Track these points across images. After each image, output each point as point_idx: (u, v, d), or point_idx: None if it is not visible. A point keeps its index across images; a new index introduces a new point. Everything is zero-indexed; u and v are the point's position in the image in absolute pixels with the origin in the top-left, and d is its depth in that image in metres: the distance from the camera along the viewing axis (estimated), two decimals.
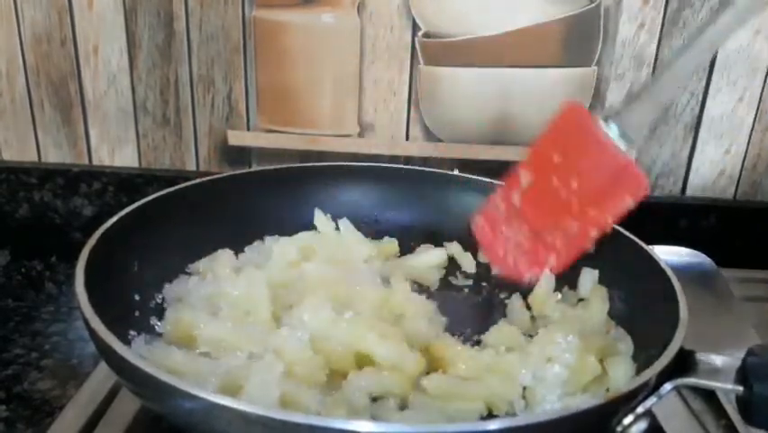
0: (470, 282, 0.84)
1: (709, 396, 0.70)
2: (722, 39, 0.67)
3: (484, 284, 0.83)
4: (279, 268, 0.77)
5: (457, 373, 0.63)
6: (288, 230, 0.84)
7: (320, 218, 0.86)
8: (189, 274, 0.76)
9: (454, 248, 0.86)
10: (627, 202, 0.71)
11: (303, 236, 0.84)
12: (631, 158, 0.72)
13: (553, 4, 0.90)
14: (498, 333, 0.71)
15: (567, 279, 0.78)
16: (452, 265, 0.85)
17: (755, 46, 0.91)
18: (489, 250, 0.82)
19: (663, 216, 0.98)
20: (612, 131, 0.71)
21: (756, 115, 0.95)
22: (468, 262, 0.85)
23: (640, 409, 0.52)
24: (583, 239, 0.74)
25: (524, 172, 0.78)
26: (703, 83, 0.93)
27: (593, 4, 0.90)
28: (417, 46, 0.93)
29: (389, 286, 0.75)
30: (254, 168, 0.99)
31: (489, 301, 0.81)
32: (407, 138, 0.97)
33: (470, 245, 0.85)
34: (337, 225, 0.86)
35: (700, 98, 0.94)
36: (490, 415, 0.60)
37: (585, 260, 0.77)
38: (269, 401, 0.55)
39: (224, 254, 0.78)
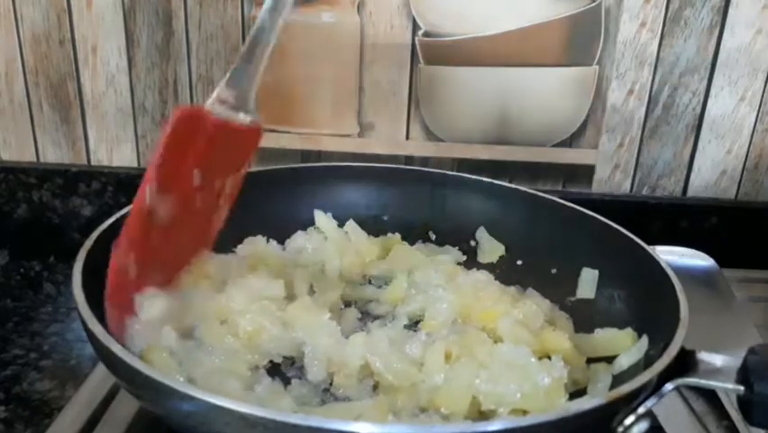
0: None
1: (711, 396, 0.70)
2: None
3: None
4: None
5: None
6: (287, 230, 0.85)
7: (321, 219, 0.86)
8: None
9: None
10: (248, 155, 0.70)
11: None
12: (245, 121, 0.67)
13: (553, 4, 0.90)
14: None
15: (566, 279, 0.78)
16: None
17: (756, 46, 0.91)
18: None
19: (665, 217, 0.98)
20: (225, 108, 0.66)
21: (758, 114, 0.95)
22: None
23: (641, 410, 0.52)
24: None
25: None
26: (705, 83, 0.93)
27: (594, 4, 0.90)
28: (417, 46, 0.93)
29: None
30: (254, 168, 0.99)
31: None
32: (407, 138, 0.97)
33: (470, 249, 0.86)
34: (339, 224, 0.86)
35: (702, 98, 0.94)
36: None
37: (586, 260, 0.77)
38: None
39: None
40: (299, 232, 0.85)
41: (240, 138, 0.68)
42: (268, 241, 0.83)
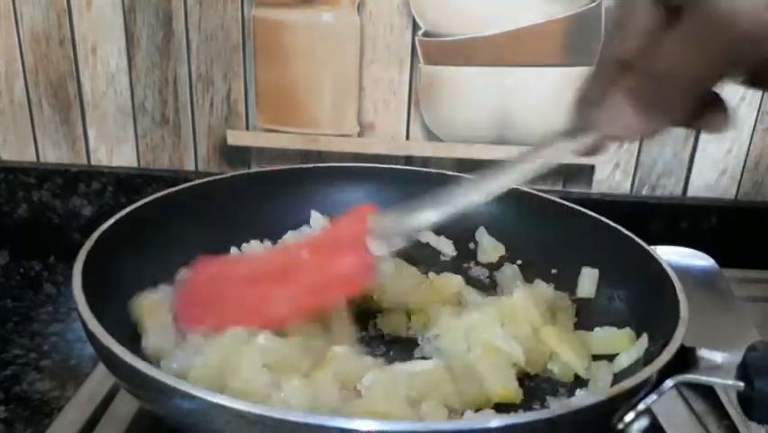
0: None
1: (711, 396, 0.69)
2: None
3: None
4: None
5: None
6: (286, 231, 0.85)
7: (316, 219, 0.86)
8: None
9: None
10: (338, 294, 0.66)
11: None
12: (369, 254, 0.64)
13: (553, 4, 0.90)
14: None
15: (566, 279, 0.78)
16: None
17: None
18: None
19: (665, 216, 0.98)
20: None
21: (758, 114, 0.95)
22: (447, 248, 0.87)
23: (641, 406, 0.52)
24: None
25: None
26: None
27: (594, 4, 0.90)
28: (417, 46, 0.93)
29: None
30: (254, 168, 0.99)
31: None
32: (407, 138, 0.97)
33: (470, 249, 0.86)
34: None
35: None
36: None
37: (586, 260, 0.77)
38: None
39: None
40: (290, 232, 0.85)
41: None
42: (262, 241, 0.83)
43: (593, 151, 0.55)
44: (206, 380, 0.57)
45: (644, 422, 0.51)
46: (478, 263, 0.85)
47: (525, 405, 0.63)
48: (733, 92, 0.93)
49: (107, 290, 0.63)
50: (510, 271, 0.81)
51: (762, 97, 0.94)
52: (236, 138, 0.98)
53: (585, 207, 0.79)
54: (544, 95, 0.94)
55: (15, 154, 1.01)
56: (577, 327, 0.73)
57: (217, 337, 0.62)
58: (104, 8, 0.93)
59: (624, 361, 0.64)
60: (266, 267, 0.70)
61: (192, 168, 1.00)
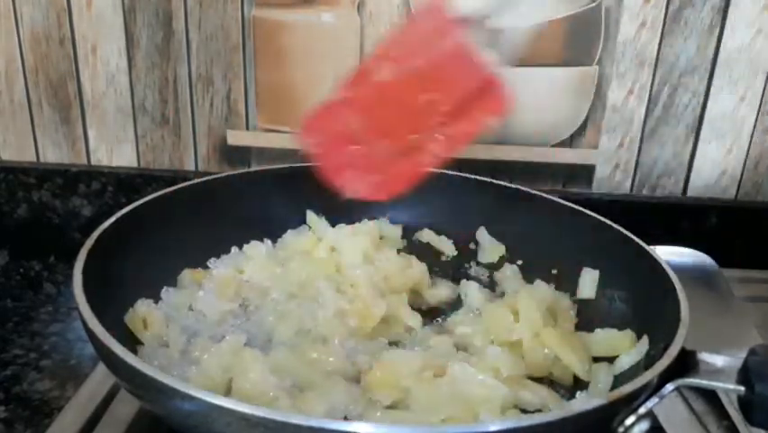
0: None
1: (711, 397, 0.69)
2: None
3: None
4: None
5: None
6: (286, 229, 0.85)
7: (312, 219, 0.86)
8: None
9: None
10: (487, 120, 0.67)
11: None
12: (496, 71, 0.65)
13: (553, 4, 0.90)
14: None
15: (566, 279, 0.77)
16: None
17: (756, 46, 0.91)
18: (331, 168, 0.71)
19: (665, 217, 0.98)
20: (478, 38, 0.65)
21: (758, 114, 0.95)
22: (448, 248, 0.87)
23: (642, 410, 0.52)
24: (429, 157, 0.68)
25: (372, 71, 0.68)
26: (705, 83, 0.93)
27: (594, 3, 0.90)
28: None
29: None
30: (253, 168, 0.99)
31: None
32: None
33: (470, 249, 0.87)
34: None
35: (702, 98, 0.94)
36: None
37: (586, 260, 0.77)
38: None
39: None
40: (289, 231, 0.85)
41: (473, 77, 0.65)
42: (263, 241, 0.83)
43: None
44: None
45: (644, 425, 0.51)
46: (478, 263, 0.85)
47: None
48: (732, 92, 0.93)
49: (107, 290, 0.63)
50: (510, 272, 0.81)
51: (761, 98, 0.94)
52: (236, 138, 0.98)
53: (585, 207, 0.79)
54: (543, 95, 0.94)
55: (15, 154, 1.00)
56: (577, 327, 0.73)
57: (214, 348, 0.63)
58: (104, 8, 0.93)
59: (624, 363, 0.64)
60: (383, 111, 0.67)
61: (192, 168, 1.00)
